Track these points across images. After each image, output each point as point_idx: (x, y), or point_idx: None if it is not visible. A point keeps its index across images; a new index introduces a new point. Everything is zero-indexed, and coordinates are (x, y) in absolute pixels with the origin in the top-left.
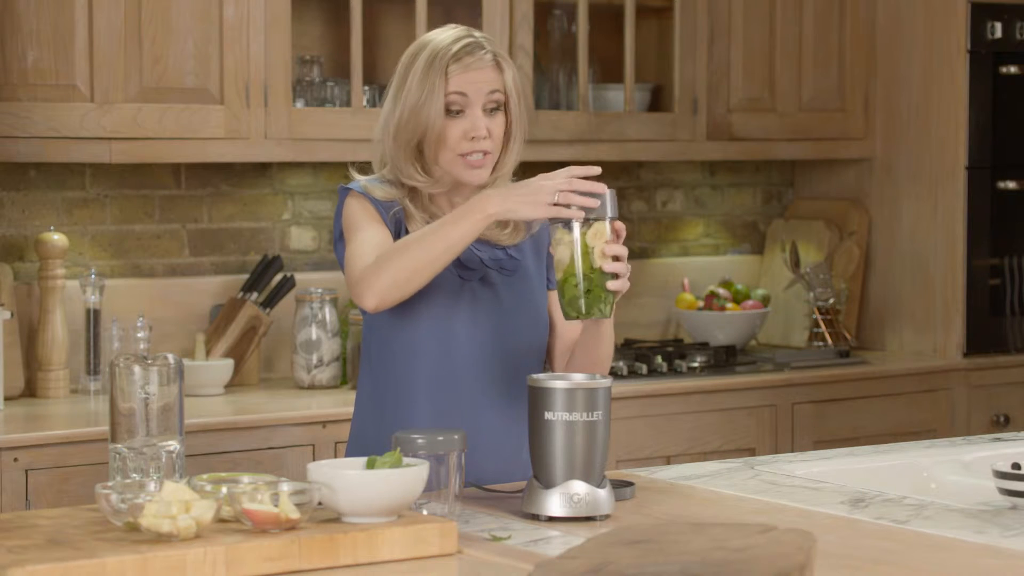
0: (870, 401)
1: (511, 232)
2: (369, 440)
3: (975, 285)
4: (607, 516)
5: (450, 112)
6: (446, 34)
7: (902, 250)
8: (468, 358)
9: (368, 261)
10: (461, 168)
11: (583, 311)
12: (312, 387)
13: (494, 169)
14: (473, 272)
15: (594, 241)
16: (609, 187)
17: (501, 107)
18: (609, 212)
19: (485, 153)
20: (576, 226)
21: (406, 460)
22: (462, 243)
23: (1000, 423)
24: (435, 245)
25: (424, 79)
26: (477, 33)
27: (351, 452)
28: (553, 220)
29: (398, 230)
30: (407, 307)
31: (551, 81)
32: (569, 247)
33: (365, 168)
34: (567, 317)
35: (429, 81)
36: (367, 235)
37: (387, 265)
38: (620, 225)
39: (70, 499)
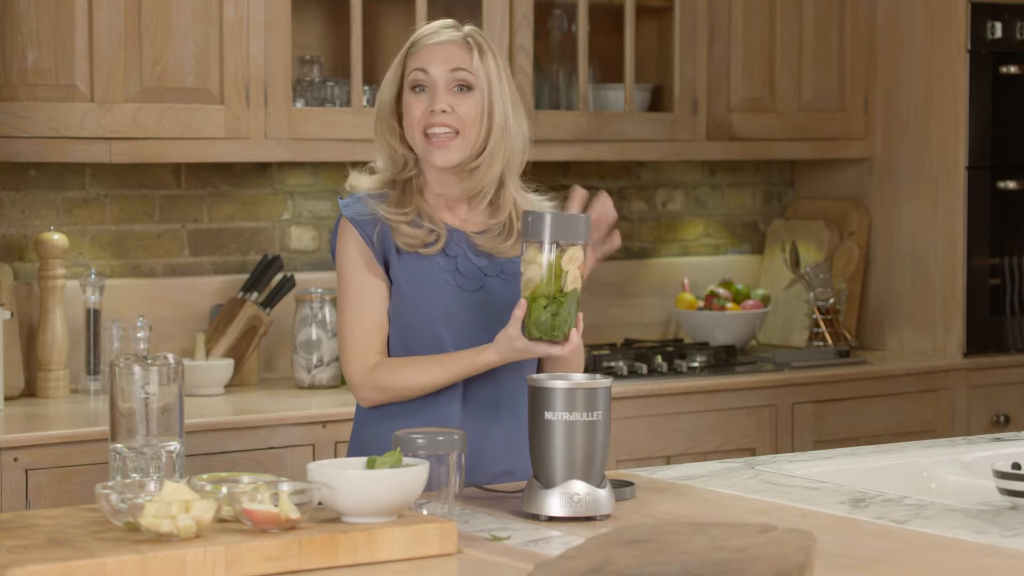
0: (870, 401)
1: (513, 244)
2: (370, 451)
3: (975, 285)
4: (607, 516)
5: (415, 90)
6: (431, 24)
7: (902, 250)
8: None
9: (362, 354)
10: (424, 148)
11: (548, 333)
12: (312, 387)
13: (476, 156)
14: (472, 281)
15: (568, 265)
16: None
17: (470, 87)
18: (583, 238)
19: (452, 133)
20: (550, 249)
21: (406, 460)
22: (465, 375)
23: (1000, 423)
24: (439, 378)
25: (395, 62)
26: (467, 27)
27: None
28: (527, 239)
29: (384, 247)
30: (405, 318)
31: (551, 81)
32: (541, 268)
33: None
34: (530, 337)
35: (396, 61)
36: (357, 305)
37: (388, 386)
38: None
39: (70, 499)
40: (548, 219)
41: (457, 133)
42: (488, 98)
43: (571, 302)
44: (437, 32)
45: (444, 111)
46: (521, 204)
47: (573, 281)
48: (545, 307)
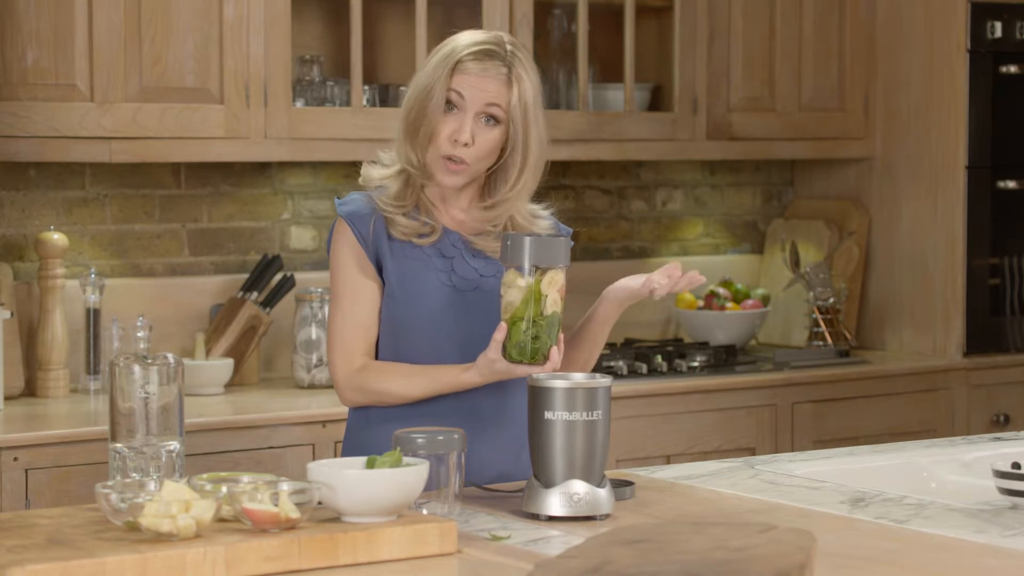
0: (870, 401)
1: None
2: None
3: (975, 285)
4: (607, 516)
5: (446, 106)
6: (475, 35)
7: (902, 250)
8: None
9: (349, 355)
10: (438, 166)
11: (528, 356)
12: (312, 387)
13: (508, 190)
14: (467, 282)
15: (548, 289)
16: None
17: (498, 123)
18: (563, 261)
19: (463, 163)
20: (530, 272)
21: (406, 460)
22: (447, 391)
23: (1000, 423)
24: (420, 390)
25: (435, 69)
26: (509, 43)
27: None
28: (507, 262)
29: (378, 243)
30: (398, 318)
31: (551, 81)
32: (521, 291)
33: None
34: (511, 359)
35: (437, 72)
36: (347, 306)
37: (371, 389)
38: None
39: (70, 499)
40: (528, 243)
41: (467, 165)
42: (523, 135)
43: (551, 325)
44: (481, 60)
45: (466, 144)
46: (519, 220)
47: (553, 304)
48: (525, 331)
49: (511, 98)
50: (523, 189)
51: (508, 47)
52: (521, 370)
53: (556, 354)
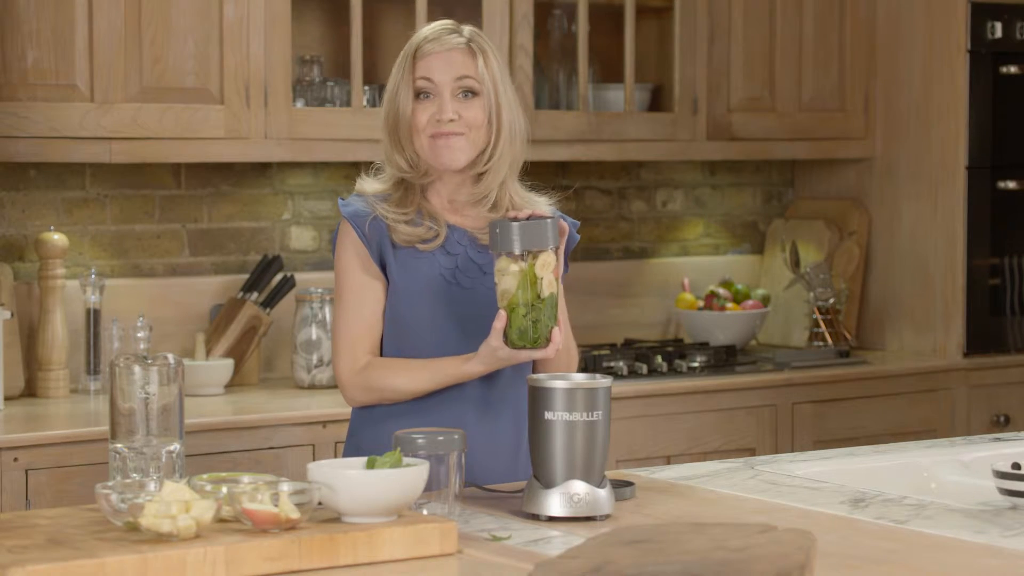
0: (870, 401)
1: None
2: (366, 451)
3: (975, 285)
4: (607, 516)
5: (419, 97)
6: (430, 24)
7: (902, 250)
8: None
9: (352, 354)
10: (431, 151)
11: (530, 340)
12: (312, 387)
13: (486, 161)
14: (472, 279)
15: (542, 271)
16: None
17: (475, 93)
18: (553, 242)
19: (457, 135)
20: (522, 257)
21: (406, 460)
22: (451, 383)
23: (1000, 423)
24: (424, 384)
25: (398, 67)
26: (466, 28)
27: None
28: (497, 251)
29: (380, 244)
30: (403, 315)
31: (551, 81)
32: (516, 277)
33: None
34: (513, 346)
35: (400, 69)
36: (351, 305)
37: (376, 387)
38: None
39: (70, 499)
40: (516, 228)
41: (463, 136)
42: (495, 102)
43: (549, 307)
44: (439, 38)
45: (452, 120)
46: (518, 202)
47: (549, 286)
48: (524, 315)
49: (478, 66)
50: (503, 157)
51: (464, 27)
52: (524, 355)
53: (558, 335)
